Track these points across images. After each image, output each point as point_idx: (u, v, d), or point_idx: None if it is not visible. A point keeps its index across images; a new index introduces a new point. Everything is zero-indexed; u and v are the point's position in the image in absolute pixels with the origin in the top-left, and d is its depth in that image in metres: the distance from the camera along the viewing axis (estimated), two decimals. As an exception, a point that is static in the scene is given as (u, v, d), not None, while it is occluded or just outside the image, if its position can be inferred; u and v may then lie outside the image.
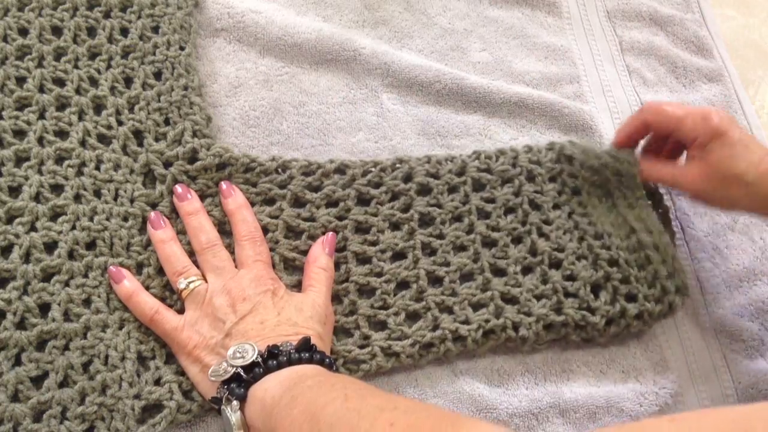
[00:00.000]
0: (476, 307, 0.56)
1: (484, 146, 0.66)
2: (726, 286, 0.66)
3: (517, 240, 0.60)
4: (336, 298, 0.55)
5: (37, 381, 0.46)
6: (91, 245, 0.51)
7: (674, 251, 0.61)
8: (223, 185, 0.55)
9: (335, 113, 0.65)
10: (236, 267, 0.52)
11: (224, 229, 0.55)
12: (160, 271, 0.52)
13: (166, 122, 0.57)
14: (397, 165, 0.60)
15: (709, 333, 0.64)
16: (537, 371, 0.58)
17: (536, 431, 0.55)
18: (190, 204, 0.54)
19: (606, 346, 0.60)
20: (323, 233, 0.56)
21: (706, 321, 0.64)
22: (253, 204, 0.56)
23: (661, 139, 0.63)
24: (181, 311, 0.51)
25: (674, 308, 0.59)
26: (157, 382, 0.48)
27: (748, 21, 0.87)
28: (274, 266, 0.54)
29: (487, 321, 0.55)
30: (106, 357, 0.48)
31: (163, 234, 0.52)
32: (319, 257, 0.54)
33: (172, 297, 0.52)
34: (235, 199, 0.55)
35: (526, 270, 0.59)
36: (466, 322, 0.55)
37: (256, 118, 0.62)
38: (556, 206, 0.62)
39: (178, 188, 0.54)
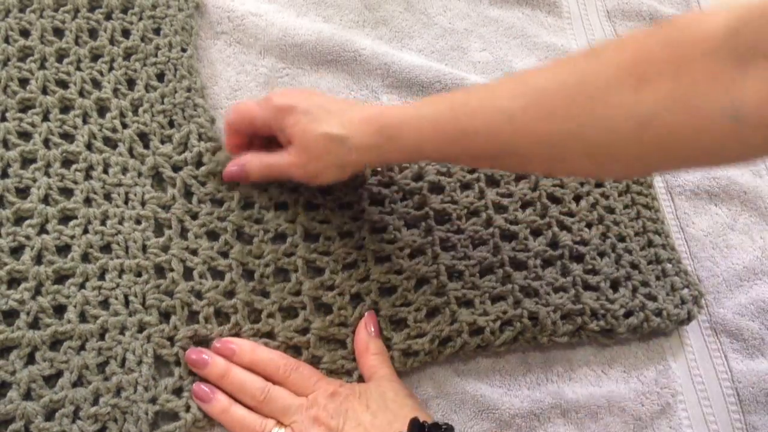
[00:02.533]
0: (495, 299, 0.58)
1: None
2: (726, 285, 0.68)
3: (537, 233, 0.62)
4: (357, 297, 0.56)
5: (51, 380, 0.48)
6: (105, 248, 0.53)
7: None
8: (217, 344, 0.52)
9: (336, 115, 0.67)
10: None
11: (242, 231, 0.57)
12: (186, 275, 0.54)
13: (171, 124, 0.59)
14: (405, 165, 0.62)
15: (710, 332, 0.66)
16: (539, 371, 0.60)
17: (538, 432, 0.57)
18: (215, 366, 0.51)
19: (608, 345, 0.62)
20: (340, 234, 0.58)
21: (707, 320, 0.67)
22: (267, 208, 0.58)
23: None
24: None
25: (692, 317, 0.62)
26: (178, 391, 0.50)
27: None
28: (297, 270, 0.56)
29: (504, 312, 0.57)
30: (123, 359, 0.49)
31: (218, 405, 0.50)
32: (370, 343, 0.54)
33: (198, 303, 0.53)
34: (241, 352, 0.52)
35: (547, 263, 0.61)
36: (485, 314, 0.57)
37: (257, 120, 0.64)
38: (578, 197, 0.64)
39: (192, 355, 0.51)
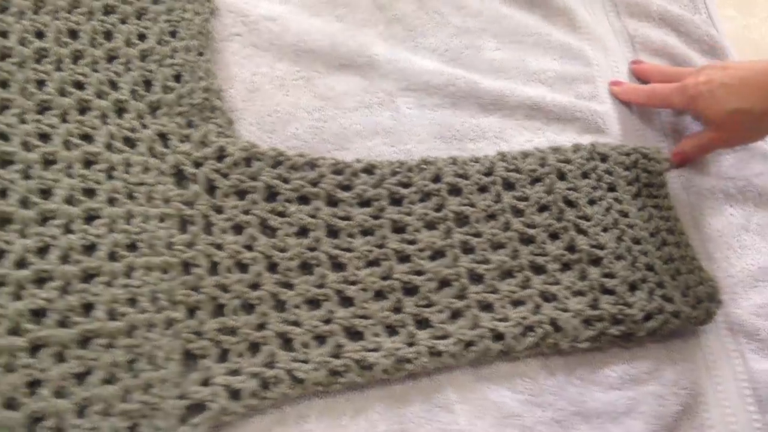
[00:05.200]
0: (516, 304, 0.60)
1: (500, 149, 0.69)
2: (742, 286, 0.70)
3: (554, 236, 0.64)
4: (380, 295, 0.58)
5: (81, 378, 0.48)
6: (131, 246, 0.54)
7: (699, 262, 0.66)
8: None
9: (351, 118, 0.68)
10: None
11: (267, 224, 0.58)
12: (212, 270, 0.55)
13: (189, 125, 0.61)
14: (423, 166, 0.64)
15: (727, 333, 0.68)
16: (561, 376, 0.61)
17: (561, 439, 0.58)
18: None
19: (629, 348, 0.63)
20: (361, 232, 0.60)
21: (723, 321, 0.68)
22: (288, 200, 0.59)
23: None
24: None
25: (711, 315, 0.64)
26: (205, 382, 0.51)
27: (748, 21, 0.93)
28: (320, 264, 0.57)
29: (525, 318, 0.58)
30: (152, 356, 0.50)
31: None
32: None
33: (224, 296, 0.55)
34: None
35: (565, 267, 0.63)
36: (506, 319, 0.58)
37: (272, 123, 0.65)
38: (592, 201, 0.66)
39: None
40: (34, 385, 0.47)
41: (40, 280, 0.51)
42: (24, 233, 0.52)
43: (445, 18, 0.78)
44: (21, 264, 0.51)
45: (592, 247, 0.63)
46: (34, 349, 0.49)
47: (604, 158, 0.69)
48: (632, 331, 0.61)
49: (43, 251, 0.52)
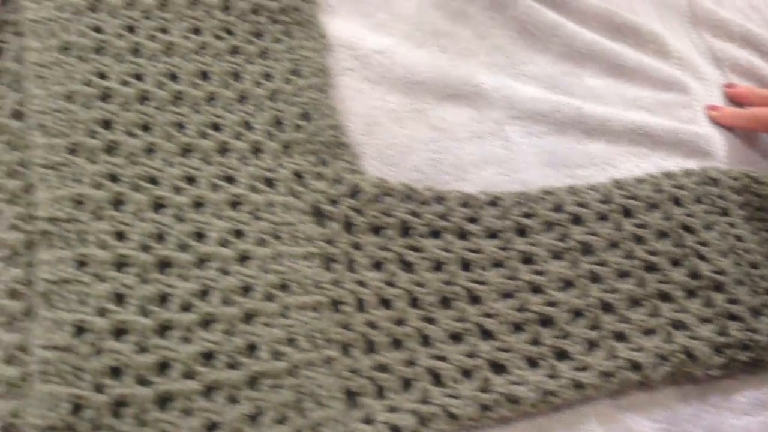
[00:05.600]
0: (648, 333, 0.61)
1: (609, 175, 0.71)
2: None
3: (676, 263, 0.65)
4: (518, 327, 0.59)
5: (253, 420, 0.50)
6: (283, 287, 0.55)
7: None
8: None
9: (465, 148, 0.70)
10: None
11: (404, 260, 0.60)
12: (359, 306, 0.57)
13: (321, 162, 0.62)
14: (544, 196, 0.65)
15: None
16: (696, 404, 0.61)
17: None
18: None
19: (756, 373, 0.64)
20: (492, 265, 0.61)
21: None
22: (421, 235, 0.61)
23: None
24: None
25: None
26: (367, 420, 0.52)
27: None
28: (458, 298, 0.59)
29: (659, 347, 0.60)
30: (316, 396, 0.52)
31: None
32: None
33: (373, 333, 0.56)
34: None
35: (690, 294, 0.64)
36: (641, 349, 0.60)
37: (392, 156, 0.67)
38: (707, 227, 0.67)
39: None
40: (211, 429, 0.49)
41: (205, 323, 0.52)
42: (184, 277, 0.53)
43: (544, 45, 0.79)
44: (185, 308, 0.52)
45: (714, 273, 0.65)
46: (209, 393, 0.50)
47: (715, 183, 0.70)
48: (761, 357, 0.62)
49: (204, 294, 0.53)
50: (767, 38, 0.89)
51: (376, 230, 0.61)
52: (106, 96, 0.60)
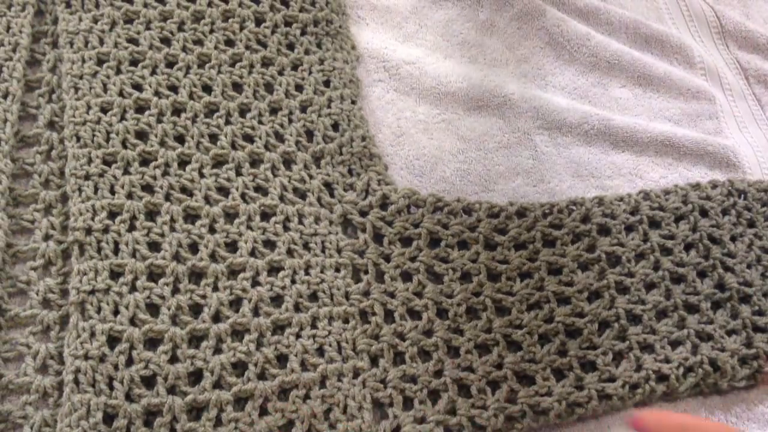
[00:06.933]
0: (674, 344, 0.60)
1: (636, 186, 0.70)
2: None
3: (702, 274, 0.64)
4: (545, 338, 0.59)
5: (283, 429, 0.50)
6: (312, 297, 0.55)
7: None
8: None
9: (493, 159, 0.69)
10: None
11: (432, 270, 0.60)
12: (387, 317, 0.57)
13: (350, 173, 0.62)
14: (572, 207, 0.65)
15: None
16: (720, 414, 0.60)
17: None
18: None
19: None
20: (519, 275, 0.61)
21: None
22: (449, 246, 0.61)
23: None
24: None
25: None
26: (396, 430, 0.52)
27: None
28: (485, 309, 0.58)
29: (686, 359, 0.59)
30: (345, 406, 0.52)
31: None
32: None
33: (402, 344, 0.56)
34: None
35: (716, 305, 0.63)
36: (667, 360, 0.59)
37: (420, 166, 0.67)
38: (733, 238, 0.66)
39: None
40: (239, 439, 0.49)
41: (236, 333, 0.52)
42: (216, 287, 0.53)
43: (572, 56, 0.78)
44: (216, 318, 0.52)
45: (740, 284, 0.64)
46: (238, 402, 0.50)
47: (742, 194, 0.69)
48: None
49: (234, 304, 0.53)
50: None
51: (405, 241, 0.61)
52: (141, 107, 0.60)
